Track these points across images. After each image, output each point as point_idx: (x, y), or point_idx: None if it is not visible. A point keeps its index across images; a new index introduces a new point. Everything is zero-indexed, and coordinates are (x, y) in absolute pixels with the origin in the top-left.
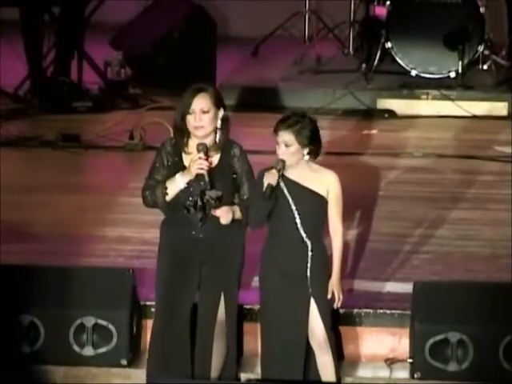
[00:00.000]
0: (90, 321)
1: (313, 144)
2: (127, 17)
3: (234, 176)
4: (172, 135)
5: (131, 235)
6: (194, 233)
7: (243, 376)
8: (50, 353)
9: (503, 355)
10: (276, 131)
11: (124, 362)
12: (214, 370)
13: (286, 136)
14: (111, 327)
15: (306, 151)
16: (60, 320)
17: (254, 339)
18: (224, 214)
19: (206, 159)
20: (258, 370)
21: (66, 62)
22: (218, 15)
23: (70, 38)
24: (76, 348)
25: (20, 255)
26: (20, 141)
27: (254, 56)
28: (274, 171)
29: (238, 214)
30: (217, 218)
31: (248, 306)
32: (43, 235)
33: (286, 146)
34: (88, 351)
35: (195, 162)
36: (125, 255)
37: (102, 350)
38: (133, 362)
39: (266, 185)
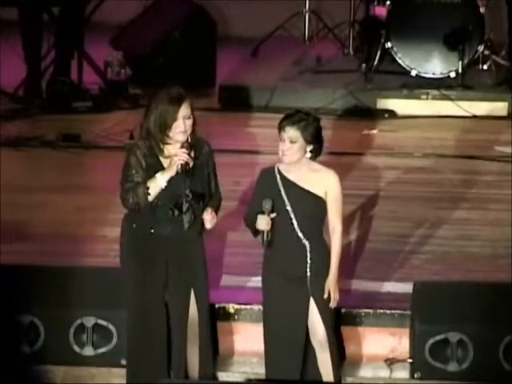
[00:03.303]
0: (89, 321)
1: (316, 142)
2: (127, 17)
3: (206, 173)
4: (143, 137)
5: None
6: (159, 231)
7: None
8: (50, 353)
9: (503, 355)
10: (281, 127)
11: (124, 362)
12: (193, 370)
13: (291, 132)
14: (111, 327)
15: (309, 149)
16: (60, 320)
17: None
18: (211, 219)
19: (189, 154)
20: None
21: (66, 62)
22: (218, 15)
23: (69, 38)
24: (76, 348)
25: (20, 255)
26: (20, 141)
27: (254, 56)
28: (264, 216)
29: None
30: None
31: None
32: (43, 235)
33: (291, 142)
34: (88, 351)
35: (178, 155)
36: None
37: (102, 350)
38: None
39: (261, 231)
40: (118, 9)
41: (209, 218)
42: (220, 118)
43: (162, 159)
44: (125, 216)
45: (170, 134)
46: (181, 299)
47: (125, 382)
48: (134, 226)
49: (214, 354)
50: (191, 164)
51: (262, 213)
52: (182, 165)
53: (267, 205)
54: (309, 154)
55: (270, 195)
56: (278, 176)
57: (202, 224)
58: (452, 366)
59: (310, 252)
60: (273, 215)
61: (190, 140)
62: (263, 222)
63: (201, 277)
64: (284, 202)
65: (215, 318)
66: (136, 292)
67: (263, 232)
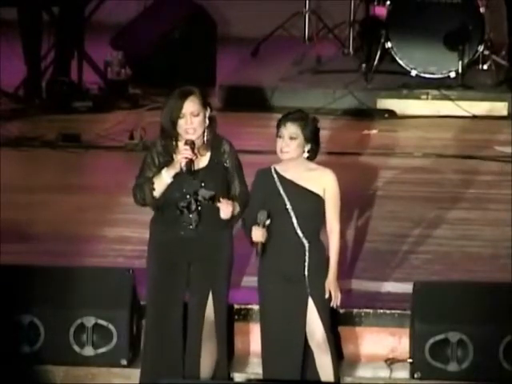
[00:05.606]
0: (90, 321)
1: (314, 142)
2: (127, 17)
3: (225, 172)
4: (159, 135)
5: (131, 235)
6: (183, 232)
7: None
8: (50, 353)
9: (503, 355)
10: (281, 124)
11: (124, 361)
12: (206, 371)
13: (292, 128)
14: (111, 327)
15: (307, 148)
16: (60, 320)
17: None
18: (225, 207)
19: (192, 150)
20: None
21: (66, 62)
22: (218, 15)
23: (69, 38)
24: (76, 348)
25: (20, 255)
26: (20, 141)
27: (254, 56)
28: (260, 228)
29: (238, 210)
30: (206, 218)
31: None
32: (43, 235)
33: (291, 138)
34: (88, 351)
35: (180, 152)
36: (125, 255)
37: (102, 350)
38: (133, 362)
39: (255, 243)
40: (117, 9)
41: (223, 207)
42: (220, 117)
43: (175, 157)
44: (152, 217)
45: (179, 131)
46: (198, 300)
47: (125, 382)
48: (158, 228)
49: (229, 355)
50: (205, 162)
51: (257, 224)
52: (186, 162)
53: (262, 216)
54: (306, 154)
55: (269, 195)
56: (275, 175)
57: (229, 224)
58: (452, 366)
59: (309, 252)
60: (267, 222)
61: (205, 139)
62: (258, 234)
63: (221, 278)
64: (284, 200)
65: (232, 318)
66: (153, 292)
67: (257, 243)
